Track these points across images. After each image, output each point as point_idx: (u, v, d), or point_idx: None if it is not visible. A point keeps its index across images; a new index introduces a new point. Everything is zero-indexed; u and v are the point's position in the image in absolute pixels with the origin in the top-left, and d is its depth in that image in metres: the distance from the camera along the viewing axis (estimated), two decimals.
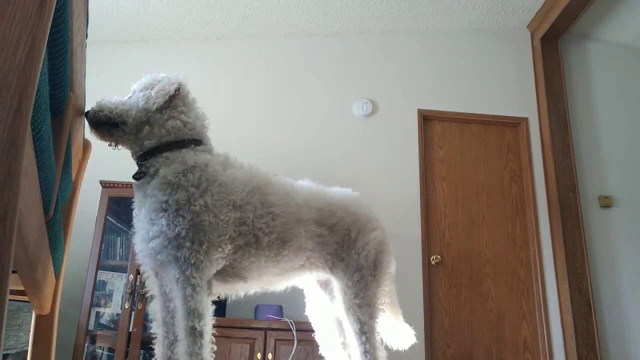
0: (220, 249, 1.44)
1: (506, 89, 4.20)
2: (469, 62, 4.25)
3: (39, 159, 0.82)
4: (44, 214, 1.01)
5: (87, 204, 2.82)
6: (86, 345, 3.08)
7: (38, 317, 1.50)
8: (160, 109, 1.53)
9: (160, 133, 1.51)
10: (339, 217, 1.70)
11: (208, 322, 1.39)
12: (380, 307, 1.68)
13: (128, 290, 3.13)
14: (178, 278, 1.37)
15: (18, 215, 0.59)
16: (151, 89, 1.55)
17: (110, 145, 1.55)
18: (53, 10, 0.65)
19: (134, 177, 1.51)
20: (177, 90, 1.58)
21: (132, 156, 1.56)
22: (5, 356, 2.53)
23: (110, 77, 4.03)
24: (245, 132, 3.81)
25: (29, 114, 0.60)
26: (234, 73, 4.15)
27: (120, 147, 1.57)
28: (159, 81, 1.58)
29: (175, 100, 1.57)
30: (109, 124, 1.51)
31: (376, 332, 1.65)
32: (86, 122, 1.52)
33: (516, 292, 3.74)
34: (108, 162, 3.51)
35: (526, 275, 3.78)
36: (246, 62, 4.19)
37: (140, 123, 1.51)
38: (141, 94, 1.54)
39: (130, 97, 1.58)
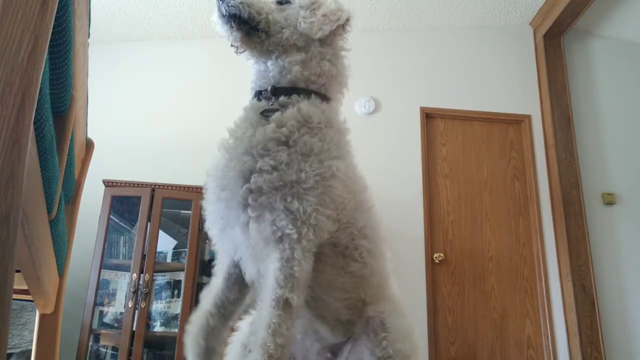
0: (334, 225, 1.14)
1: (509, 86, 4.19)
2: (472, 60, 4.24)
3: (42, 158, 0.82)
4: (48, 214, 1.02)
5: (91, 203, 2.83)
6: (90, 344, 3.09)
7: (42, 316, 1.51)
8: (322, 40, 1.24)
9: (314, 71, 1.22)
10: None
11: (302, 301, 1.09)
12: None
13: (131, 289, 3.13)
14: (287, 234, 1.05)
15: (21, 215, 0.59)
16: (315, 9, 1.23)
17: (236, 49, 1.26)
18: (55, 9, 0.65)
19: (263, 112, 1.18)
20: (347, 21, 1.27)
21: (257, 79, 1.26)
22: (9, 355, 2.54)
23: (113, 77, 4.04)
24: None
25: (31, 114, 0.60)
26: (235, 72, 4.13)
27: (243, 51, 1.26)
28: (324, 2, 1.25)
29: (338, 35, 1.28)
30: (250, 25, 1.22)
31: None
32: (218, 14, 1.24)
33: (519, 290, 3.73)
34: (111, 161, 3.53)
35: (529, 272, 3.78)
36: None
37: (290, 46, 1.23)
38: (302, 12, 1.23)
39: (281, 2, 1.26)
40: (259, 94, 1.24)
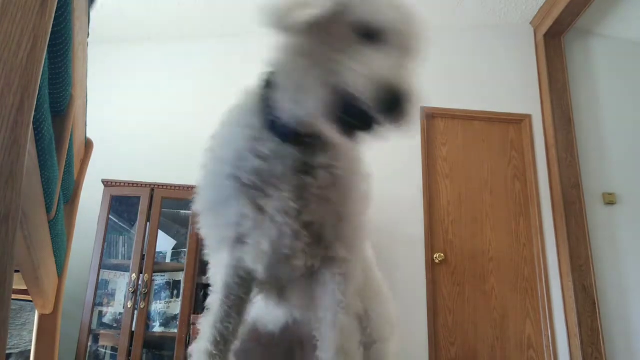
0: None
1: (509, 86, 4.18)
2: (472, 59, 4.24)
3: (41, 158, 0.82)
4: (47, 214, 1.01)
5: (90, 203, 2.83)
6: (89, 344, 3.09)
7: (41, 317, 1.50)
8: None
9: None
10: None
11: None
12: None
13: (131, 290, 3.13)
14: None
15: (20, 215, 0.59)
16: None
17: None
18: (54, 9, 0.65)
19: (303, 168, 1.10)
20: None
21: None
22: (8, 355, 2.54)
23: (112, 76, 4.03)
24: None
25: (31, 114, 0.60)
26: (235, 71, 4.13)
27: None
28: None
29: None
30: None
31: None
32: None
33: (520, 290, 3.73)
34: (110, 161, 3.53)
35: (530, 273, 3.77)
36: (247, 60, 4.16)
37: None
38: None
39: None
40: (287, 136, 1.08)
